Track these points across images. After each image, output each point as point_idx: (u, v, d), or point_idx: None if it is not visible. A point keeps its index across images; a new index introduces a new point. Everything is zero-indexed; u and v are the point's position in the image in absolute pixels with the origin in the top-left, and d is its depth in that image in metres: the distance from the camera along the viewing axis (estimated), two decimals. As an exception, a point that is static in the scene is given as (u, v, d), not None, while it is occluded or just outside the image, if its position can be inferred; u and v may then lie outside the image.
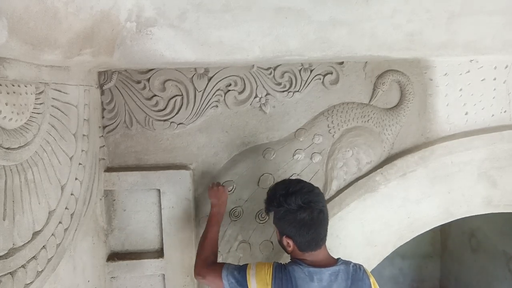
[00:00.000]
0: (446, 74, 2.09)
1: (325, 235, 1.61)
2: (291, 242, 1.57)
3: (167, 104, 1.97)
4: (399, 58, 1.98)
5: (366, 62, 2.05)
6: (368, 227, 2.15)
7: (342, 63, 2.03)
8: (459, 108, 2.13)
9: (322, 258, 1.58)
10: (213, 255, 1.74)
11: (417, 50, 1.82)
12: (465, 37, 1.77)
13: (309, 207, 1.54)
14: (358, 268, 1.59)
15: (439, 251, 5.17)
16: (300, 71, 2.02)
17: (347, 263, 1.59)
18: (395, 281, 5.17)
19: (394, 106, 2.10)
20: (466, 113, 2.13)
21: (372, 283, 1.56)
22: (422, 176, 2.14)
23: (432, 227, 2.30)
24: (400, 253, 4.91)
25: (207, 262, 1.71)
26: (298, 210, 1.54)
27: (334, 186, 2.09)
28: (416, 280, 5.21)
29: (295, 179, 1.71)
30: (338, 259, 1.60)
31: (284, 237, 1.59)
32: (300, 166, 2.07)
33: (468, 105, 2.13)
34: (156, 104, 1.96)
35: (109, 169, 1.95)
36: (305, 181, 1.68)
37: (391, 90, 2.09)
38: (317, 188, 1.65)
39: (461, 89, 2.11)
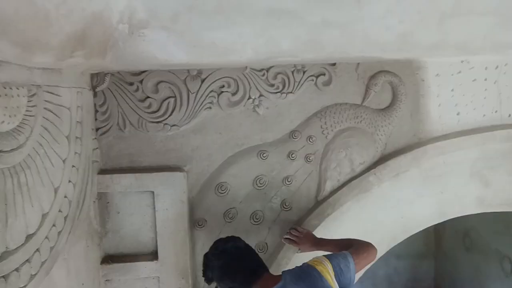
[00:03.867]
0: (437, 74, 2.11)
1: (258, 264, 1.64)
2: None
3: (160, 106, 1.97)
4: (391, 59, 2.00)
5: (359, 63, 2.06)
6: (362, 227, 2.16)
7: (334, 64, 2.04)
8: (451, 108, 2.15)
9: (268, 283, 1.57)
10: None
11: (409, 51, 1.83)
12: (456, 38, 1.79)
13: (223, 252, 1.66)
14: (301, 267, 1.60)
15: (433, 251, 5.20)
16: (293, 72, 2.02)
17: (291, 270, 1.60)
18: (390, 281, 5.19)
19: (387, 107, 2.12)
20: (458, 113, 2.15)
21: (320, 271, 1.54)
22: (415, 176, 2.15)
23: (426, 226, 2.32)
24: (394, 253, 4.91)
25: None
26: (217, 260, 1.65)
27: (328, 187, 2.09)
28: (411, 279, 5.23)
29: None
30: (282, 273, 1.60)
31: None
32: (294, 167, 2.08)
33: (460, 105, 2.15)
34: (149, 106, 1.96)
35: (102, 172, 1.94)
36: (217, 239, 1.78)
37: (384, 91, 2.10)
38: (228, 236, 1.76)
39: (452, 90, 2.13)
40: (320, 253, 1.75)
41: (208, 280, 1.70)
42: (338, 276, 1.55)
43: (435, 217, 2.30)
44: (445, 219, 2.33)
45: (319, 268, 1.55)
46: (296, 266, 1.62)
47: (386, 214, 2.19)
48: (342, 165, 2.09)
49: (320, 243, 1.89)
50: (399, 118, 2.11)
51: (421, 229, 2.32)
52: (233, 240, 1.72)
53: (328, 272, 1.54)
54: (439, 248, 5.12)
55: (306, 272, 1.55)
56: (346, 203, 2.07)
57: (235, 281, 1.60)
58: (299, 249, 1.97)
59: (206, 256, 1.72)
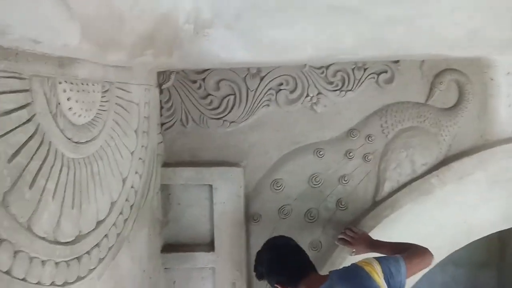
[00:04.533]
0: (509, 73, 1.99)
1: (305, 263, 1.64)
2: (281, 287, 1.62)
3: (220, 103, 2.02)
4: (459, 56, 1.91)
5: (423, 60, 1.99)
6: (422, 230, 2.09)
7: (397, 61, 1.99)
8: (522, 109, 2.02)
9: (315, 283, 1.56)
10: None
11: (478, 48, 1.75)
12: (531, 34, 1.68)
13: (273, 247, 1.72)
14: (349, 267, 1.58)
15: (497, 260, 4.90)
16: (353, 70, 2.00)
17: (338, 270, 1.59)
18: (447, 289, 4.97)
19: (452, 106, 2.03)
20: (530, 115, 2.02)
21: (368, 271, 1.50)
22: (480, 180, 2.04)
23: (490, 232, 2.22)
24: (453, 260, 4.68)
25: None
26: (267, 254, 1.70)
27: (387, 188, 2.04)
28: (470, 289, 4.98)
29: None
30: (329, 272, 1.59)
31: (276, 286, 1.65)
32: (351, 166, 2.05)
33: (533, 106, 2.01)
34: (211, 103, 2.02)
35: (165, 165, 2.03)
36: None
37: (449, 89, 2.01)
38: (279, 236, 1.81)
39: (525, 89, 2.00)
40: (374, 255, 1.73)
41: (259, 276, 1.73)
42: (388, 279, 1.52)
43: (500, 223, 2.18)
44: (511, 226, 2.20)
45: (367, 268, 1.52)
46: (344, 266, 1.62)
47: (448, 218, 2.10)
48: (402, 166, 2.03)
49: (376, 245, 1.85)
50: (465, 118, 2.01)
51: (485, 235, 2.21)
52: (285, 238, 1.76)
53: (376, 273, 1.51)
54: (503, 257, 4.81)
55: (354, 271, 1.54)
56: (406, 205, 2.01)
57: (282, 276, 1.62)
58: (354, 251, 1.94)
59: (258, 252, 1.77)
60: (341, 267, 1.85)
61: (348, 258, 2.01)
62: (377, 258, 1.59)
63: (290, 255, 1.67)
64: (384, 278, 1.52)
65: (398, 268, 1.55)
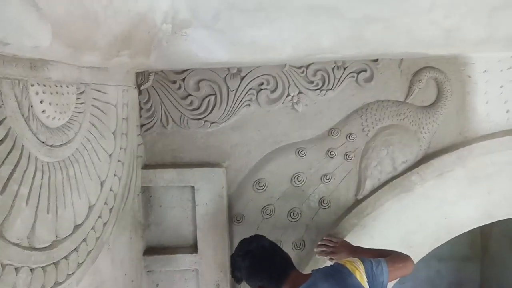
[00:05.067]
0: (485, 71, 2.02)
1: (286, 263, 1.65)
2: None
3: (201, 103, 2.01)
4: (437, 54, 1.94)
5: (402, 59, 2.01)
6: (403, 228, 2.11)
7: (376, 60, 2.00)
8: (499, 106, 2.05)
9: (298, 281, 1.57)
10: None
11: (455, 46, 1.78)
12: (506, 32, 1.71)
13: (247, 252, 1.69)
14: (332, 266, 1.60)
15: (479, 254, 4.98)
16: (333, 69, 2.00)
17: (321, 269, 1.61)
18: (431, 284, 5.03)
19: (431, 104, 2.05)
20: (507, 111, 2.05)
21: (351, 269, 1.53)
22: (460, 176, 2.07)
23: (470, 228, 2.24)
24: (436, 255, 4.74)
25: None
26: (243, 260, 1.68)
27: (368, 186, 2.06)
28: (454, 283, 5.05)
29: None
30: (312, 271, 1.60)
31: None
32: (332, 165, 2.06)
33: (510, 102, 2.05)
34: (191, 103, 2.01)
35: (146, 166, 2.01)
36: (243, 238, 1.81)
37: (428, 87, 2.04)
38: (252, 235, 1.79)
39: (501, 86, 2.03)
40: None
41: (238, 280, 1.74)
42: (370, 278, 1.54)
43: (480, 219, 2.20)
44: (492, 221, 2.23)
45: (349, 267, 1.55)
46: (327, 265, 1.64)
47: (428, 214, 2.12)
48: (383, 164, 2.05)
49: (358, 252, 1.86)
50: (444, 116, 2.04)
51: (466, 231, 2.24)
52: (257, 240, 1.74)
53: (359, 271, 1.53)
54: (486, 252, 4.90)
55: (336, 269, 1.56)
56: (387, 203, 2.03)
57: (263, 281, 1.62)
58: (334, 259, 1.92)
59: (232, 257, 1.76)
60: (325, 264, 1.87)
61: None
62: (360, 258, 1.61)
63: (267, 259, 1.66)
64: (366, 277, 1.53)
65: (381, 269, 1.57)
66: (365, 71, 2.01)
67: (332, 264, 1.63)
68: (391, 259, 1.63)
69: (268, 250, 1.69)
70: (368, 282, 1.52)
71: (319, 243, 1.99)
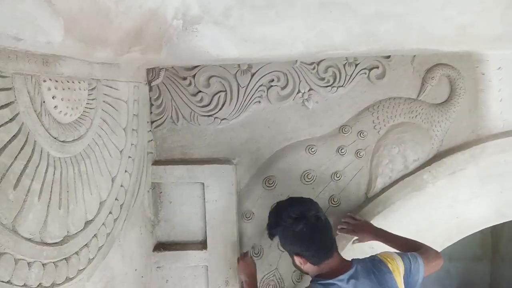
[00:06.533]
0: (500, 68, 1.99)
1: (332, 242, 1.59)
2: (302, 260, 1.56)
3: (211, 100, 2.01)
4: (450, 51, 1.91)
5: (414, 55, 1.99)
6: (413, 226, 2.09)
7: (388, 57, 1.98)
8: (514, 103, 2.02)
9: (338, 265, 1.55)
10: None
11: (468, 43, 1.74)
12: (522, 29, 1.68)
13: (303, 217, 1.56)
14: (373, 259, 1.57)
15: (490, 254, 4.93)
16: (344, 65, 1.99)
17: (361, 260, 1.57)
18: (441, 284, 4.99)
19: (444, 102, 2.03)
20: (522, 109, 2.02)
21: (392, 270, 1.51)
22: (472, 175, 2.04)
23: (482, 228, 2.21)
24: (447, 255, 4.71)
25: None
26: (293, 223, 1.56)
27: (379, 184, 2.04)
28: (464, 283, 5.00)
29: (286, 199, 1.72)
30: (352, 260, 1.57)
31: (294, 257, 1.59)
32: (343, 163, 2.04)
33: (525, 100, 2.01)
34: (201, 100, 2.01)
35: (156, 162, 2.02)
36: (295, 197, 1.75)
37: (441, 84, 2.01)
38: (308, 198, 1.69)
39: (516, 84, 2.00)
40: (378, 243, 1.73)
41: (271, 235, 1.68)
42: (407, 277, 1.52)
43: (492, 218, 2.18)
44: (504, 221, 2.20)
45: (391, 266, 1.52)
46: (367, 257, 1.59)
47: (440, 213, 2.10)
48: (394, 162, 2.03)
49: (380, 235, 1.83)
50: (457, 114, 2.01)
51: (477, 231, 2.21)
52: (315, 208, 1.63)
53: (399, 271, 1.52)
54: (496, 252, 4.84)
55: (377, 266, 1.53)
56: (398, 201, 2.01)
57: (307, 251, 1.55)
58: (356, 238, 1.92)
59: (280, 213, 1.62)
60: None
61: (343, 254, 2.00)
62: (399, 254, 1.58)
63: (321, 232, 1.57)
64: (404, 276, 1.52)
65: (417, 266, 1.55)
66: (377, 67, 1.99)
67: (373, 257, 1.58)
68: (426, 256, 1.60)
69: (323, 224, 1.59)
70: (403, 279, 1.51)
71: (342, 220, 1.98)
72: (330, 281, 1.49)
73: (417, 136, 2.02)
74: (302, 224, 1.55)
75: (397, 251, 1.65)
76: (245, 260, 1.92)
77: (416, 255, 1.58)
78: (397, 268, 1.52)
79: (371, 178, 2.05)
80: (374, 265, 1.54)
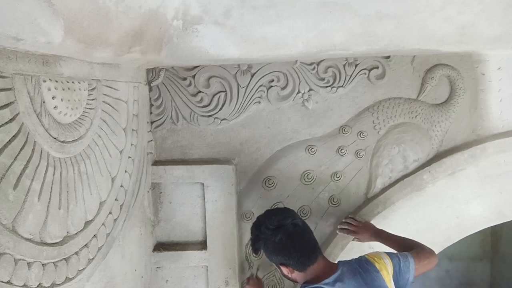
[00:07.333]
0: (499, 68, 1.99)
1: (314, 245, 1.59)
2: (288, 269, 1.57)
3: (211, 100, 2.01)
4: (449, 52, 1.91)
5: (414, 56, 1.99)
6: (413, 227, 2.09)
7: (388, 57, 1.98)
8: (514, 104, 2.02)
9: (323, 269, 1.54)
10: None
11: (468, 43, 1.74)
12: (522, 29, 1.68)
13: (280, 226, 1.56)
14: (360, 260, 1.57)
15: (490, 254, 4.93)
16: (344, 66, 1.99)
17: (347, 262, 1.57)
18: (441, 284, 5.00)
19: (444, 102, 2.02)
20: (522, 109, 2.02)
21: (379, 269, 1.51)
22: (472, 175, 2.05)
23: (482, 228, 2.21)
24: (447, 255, 4.73)
25: None
26: (272, 234, 1.56)
27: (379, 184, 2.04)
28: (464, 283, 5.01)
29: (263, 212, 1.71)
30: (338, 262, 1.58)
31: (281, 267, 1.59)
32: (343, 163, 2.04)
33: (524, 101, 2.02)
34: (201, 100, 2.01)
35: (156, 163, 2.02)
36: (270, 209, 1.80)
37: (441, 85, 2.01)
38: (283, 207, 1.72)
39: (516, 84, 2.00)
40: (380, 246, 1.74)
41: (255, 251, 1.67)
42: (397, 276, 1.52)
43: (492, 219, 2.18)
44: (504, 221, 2.20)
45: (378, 265, 1.52)
46: (353, 258, 1.59)
47: (440, 213, 2.10)
48: (394, 162, 2.03)
49: (380, 235, 1.84)
50: (456, 114, 2.01)
51: (477, 231, 2.21)
52: (291, 215, 1.62)
53: (387, 270, 1.51)
54: (496, 252, 4.85)
55: (364, 267, 1.53)
56: (398, 201, 2.01)
57: (290, 260, 1.55)
58: (356, 238, 1.93)
59: (259, 226, 1.63)
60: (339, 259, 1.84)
61: (342, 254, 2.01)
62: (387, 253, 1.58)
63: (300, 239, 1.56)
64: (393, 275, 1.52)
65: (407, 265, 1.55)
66: (377, 68, 1.99)
67: (360, 257, 1.58)
68: (417, 254, 1.60)
69: (301, 229, 1.58)
70: (393, 278, 1.51)
71: (343, 220, 1.99)
72: (316, 285, 1.50)
73: (417, 137, 2.02)
74: (281, 234, 1.55)
75: (387, 250, 1.64)
76: (253, 281, 1.96)
77: (406, 254, 1.58)
78: (385, 267, 1.51)
79: (371, 178, 2.05)
80: (361, 265, 1.54)
